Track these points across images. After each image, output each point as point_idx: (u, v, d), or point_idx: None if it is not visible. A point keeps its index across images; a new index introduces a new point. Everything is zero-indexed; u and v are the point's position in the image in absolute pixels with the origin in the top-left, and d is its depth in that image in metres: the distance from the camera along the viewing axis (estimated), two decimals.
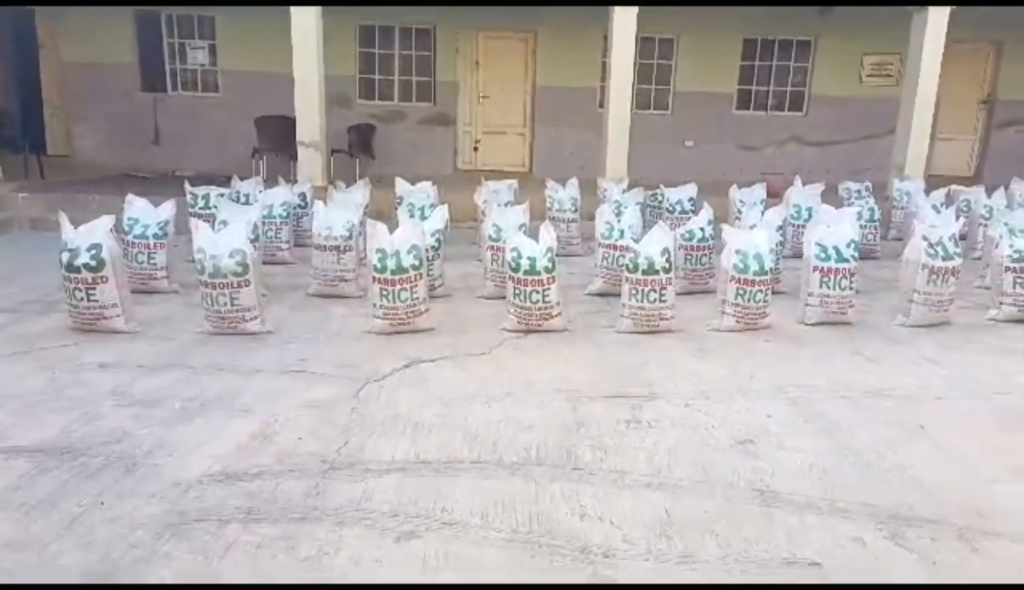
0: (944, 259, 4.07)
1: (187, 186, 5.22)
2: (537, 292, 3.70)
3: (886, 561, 1.88)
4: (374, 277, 3.53)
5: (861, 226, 6.07)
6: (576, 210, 5.90)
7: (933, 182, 9.24)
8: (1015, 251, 4.23)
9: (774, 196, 6.57)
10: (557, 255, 5.89)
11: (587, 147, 9.28)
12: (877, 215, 6.14)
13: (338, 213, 4.28)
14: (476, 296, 4.51)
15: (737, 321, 3.94)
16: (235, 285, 3.35)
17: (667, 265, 3.83)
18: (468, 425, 2.60)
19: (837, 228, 4.21)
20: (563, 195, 5.94)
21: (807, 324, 4.11)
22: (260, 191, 5.31)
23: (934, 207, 5.86)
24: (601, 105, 9.06)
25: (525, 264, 3.69)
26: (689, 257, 4.71)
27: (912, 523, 2.07)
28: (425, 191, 5.66)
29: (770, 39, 10.34)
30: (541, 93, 9.97)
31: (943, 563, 1.89)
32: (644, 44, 10.14)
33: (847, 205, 6.63)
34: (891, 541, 1.98)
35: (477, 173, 8.99)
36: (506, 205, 5.58)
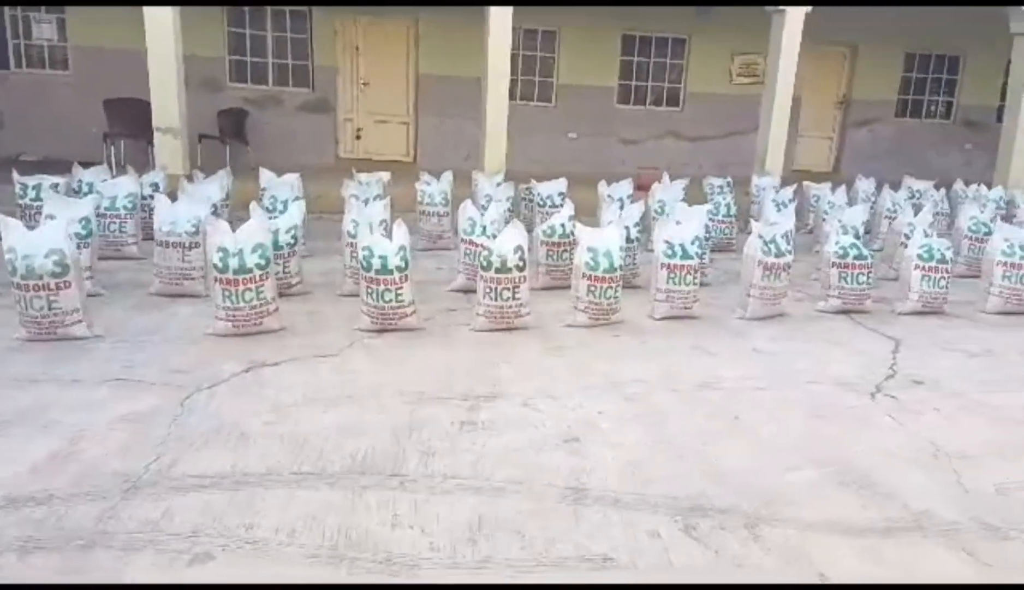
0: (777, 255, 4.37)
1: (15, 176, 4.79)
2: (390, 291, 3.68)
3: (674, 552, 2.01)
4: (215, 277, 3.39)
5: (719, 220, 6.47)
6: (447, 204, 5.89)
7: (796, 177, 9.89)
8: (840, 247, 4.60)
9: (646, 190, 6.83)
10: (427, 250, 6.02)
11: (473, 138, 9.28)
12: (733, 210, 6.51)
13: (185, 207, 4.07)
14: (336, 294, 4.43)
15: (590, 318, 4.08)
16: (53, 287, 3.12)
17: (521, 263, 3.90)
18: (297, 433, 2.55)
19: (685, 226, 4.43)
20: (434, 189, 5.91)
21: (655, 319, 4.32)
22: (104, 180, 4.96)
23: (777, 203, 6.27)
24: None
25: (376, 263, 3.65)
26: (551, 253, 4.82)
27: (707, 513, 2.22)
28: (289, 183, 5.48)
29: (648, 36, 10.69)
30: (425, 81, 9.87)
31: (725, 551, 2.04)
32: (527, 36, 10.25)
33: (710, 199, 7.00)
34: (684, 533, 2.11)
35: (360, 163, 8.80)
36: (374, 199, 5.50)
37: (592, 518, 2.16)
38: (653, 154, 11.02)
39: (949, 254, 4.64)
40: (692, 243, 4.33)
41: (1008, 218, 6.54)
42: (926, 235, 5.11)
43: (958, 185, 7.90)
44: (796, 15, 8.28)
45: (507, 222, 6.13)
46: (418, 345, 3.62)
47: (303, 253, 5.39)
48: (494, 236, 4.17)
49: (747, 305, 4.42)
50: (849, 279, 4.58)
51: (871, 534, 2.17)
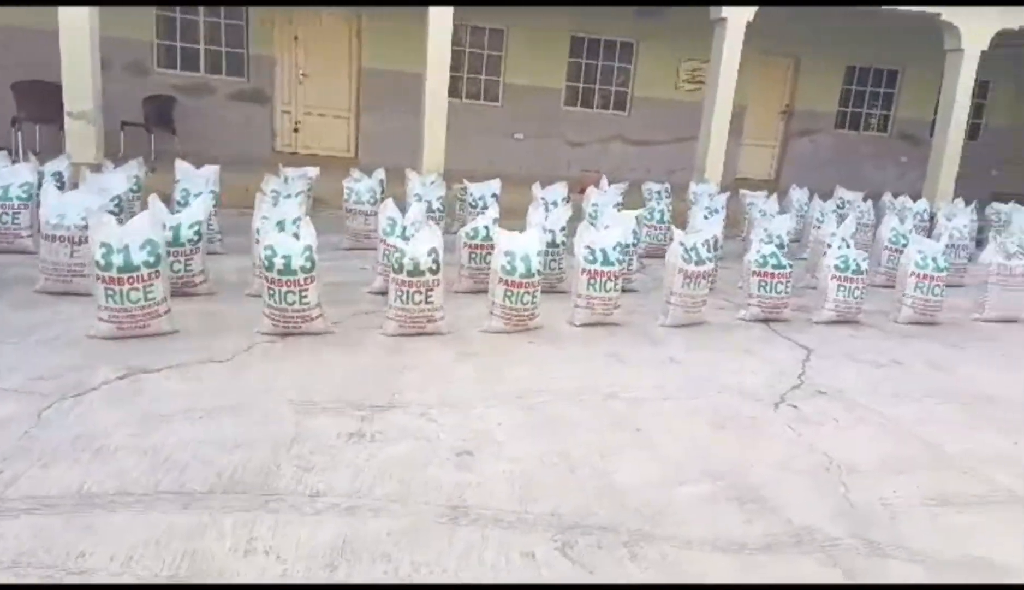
0: (697, 263, 4.36)
1: None
2: (293, 293, 3.52)
3: (546, 573, 1.94)
4: (97, 275, 3.18)
5: (653, 226, 6.47)
6: (375, 202, 5.73)
7: (738, 185, 10.01)
8: (760, 256, 4.62)
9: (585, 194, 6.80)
10: (353, 249, 5.86)
11: (418, 135, 9.13)
12: (667, 216, 6.51)
13: (77, 198, 3.83)
14: (245, 294, 4.24)
15: (506, 323, 3.99)
16: None
17: (434, 266, 3.79)
18: (163, 447, 2.39)
19: (607, 231, 4.39)
20: (361, 187, 5.76)
21: (575, 326, 4.26)
22: (3, 167, 4.66)
23: (710, 210, 6.31)
24: None
25: (279, 263, 3.49)
26: (474, 255, 4.72)
27: (589, 531, 2.15)
28: (205, 176, 5.25)
29: (596, 38, 10.70)
30: (368, 76, 9.67)
31: (600, 570, 1.97)
32: (474, 33, 10.15)
33: (648, 204, 7.00)
34: (560, 552, 2.04)
35: (297, 157, 8.57)
36: (296, 196, 5.32)
37: (467, 538, 2.07)
38: (600, 157, 11.04)
39: (865, 265, 4.70)
40: (614, 249, 4.28)
41: (929, 230, 6.71)
42: (845, 245, 5.19)
43: (886, 197, 8.08)
44: (737, 24, 8.36)
45: (440, 222, 6.10)
46: (321, 350, 3.48)
47: (219, 250, 5.21)
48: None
49: (668, 312, 4.40)
50: (768, 288, 4.60)
51: (750, 551, 2.13)
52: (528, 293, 3.98)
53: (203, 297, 4.10)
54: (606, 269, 4.23)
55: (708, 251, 4.45)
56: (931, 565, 2.11)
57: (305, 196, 5.50)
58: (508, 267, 3.92)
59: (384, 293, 4.48)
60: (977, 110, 12.84)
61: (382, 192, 6.07)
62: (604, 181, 7.25)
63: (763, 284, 4.61)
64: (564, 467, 2.55)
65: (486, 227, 4.69)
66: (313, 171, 5.98)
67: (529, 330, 4.06)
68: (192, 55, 9.01)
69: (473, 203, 6.08)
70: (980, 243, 7.35)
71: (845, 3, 8.49)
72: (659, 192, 7.53)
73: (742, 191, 8.01)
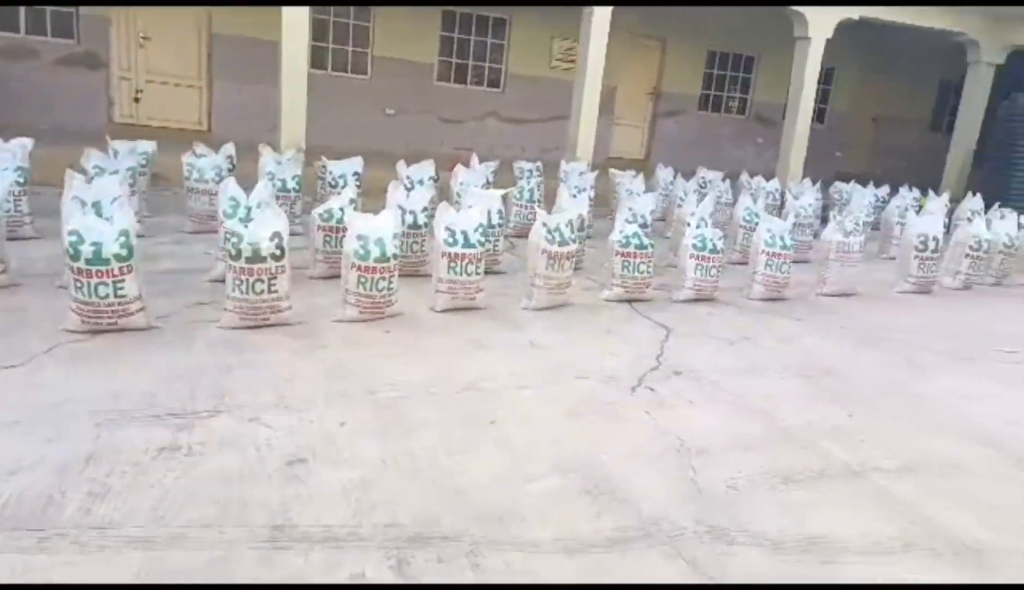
0: (560, 244, 4.29)
1: None
2: (105, 285, 3.09)
3: None
4: None
5: (522, 205, 6.38)
6: (219, 180, 5.23)
7: (611, 164, 10.15)
8: (623, 236, 4.62)
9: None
10: (197, 233, 5.35)
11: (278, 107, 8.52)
12: (537, 195, 6.44)
13: None
14: (56, 285, 3.71)
15: (361, 312, 3.74)
16: None
17: (277, 251, 3.46)
18: None
19: (468, 212, 4.22)
20: (204, 163, 5.25)
21: (437, 312, 4.07)
22: None
23: (579, 188, 6.30)
24: None
25: (87, 251, 3.05)
26: (328, 238, 4.40)
27: (429, 542, 1.99)
28: (13, 150, 4.56)
29: (468, 13, 10.43)
30: (220, 42, 8.89)
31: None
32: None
33: (520, 182, 6.90)
34: (394, 571, 1.86)
35: (138, 129, 7.76)
36: (128, 171, 4.75)
37: (289, 563, 1.84)
38: (475, 135, 10.84)
39: (720, 244, 4.83)
40: (476, 230, 4.12)
41: (780, 209, 7.07)
42: (705, 225, 5.31)
43: (743, 177, 8.45)
44: (604, 9, 8.39)
45: (296, 203, 5.69)
46: (141, 349, 3.08)
47: (29, 235, 4.57)
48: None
49: (532, 295, 4.31)
50: (631, 268, 4.62)
51: (599, 549, 2.05)
52: (384, 279, 3.74)
53: (3, 291, 3.54)
54: (467, 251, 4.06)
55: (572, 231, 4.39)
56: (770, 548, 2.12)
57: (137, 173, 4.93)
58: (361, 251, 3.66)
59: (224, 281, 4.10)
60: (823, 96, 13.80)
61: (231, 169, 5.57)
62: (474, 159, 7.07)
63: (626, 264, 4.62)
64: (408, 469, 2.36)
65: (341, 208, 4.38)
66: (148, 145, 5.38)
67: (386, 318, 3.83)
68: (10, 14, 7.87)
69: (333, 182, 5.71)
70: (825, 220, 7.87)
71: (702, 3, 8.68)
72: (530, 171, 7.46)
73: (611, 170, 8.12)
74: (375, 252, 3.68)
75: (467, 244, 4.07)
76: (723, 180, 8.04)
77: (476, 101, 10.82)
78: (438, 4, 9.86)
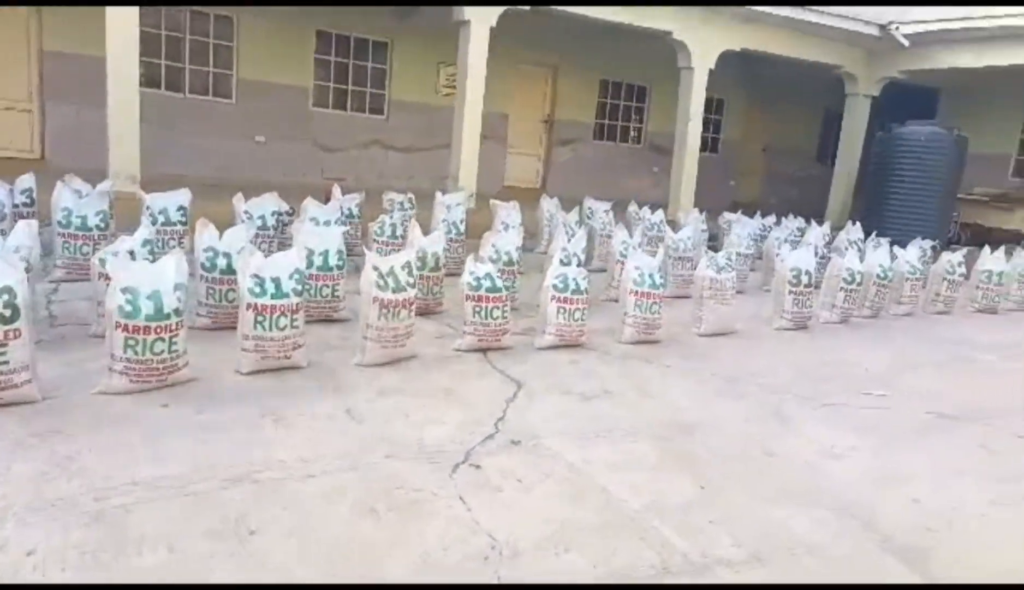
0: (396, 291, 3.74)
1: None
2: None
3: None
4: None
5: (383, 242, 5.80)
6: (2, 218, 4.43)
7: (506, 193, 9.76)
8: (474, 278, 4.12)
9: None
10: None
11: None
12: (400, 230, 5.89)
13: None
14: None
15: (131, 380, 3.05)
16: None
17: (7, 312, 2.75)
18: None
19: (280, 256, 3.62)
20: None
21: (242, 374, 3.43)
22: None
23: (445, 223, 5.81)
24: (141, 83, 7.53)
25: None
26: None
27: None
28: None
29: (345, 35, 9.89)
30: (51, 60, 7.95)
31: None
32: (196, 19, 8.84)
33: (388, 215, 6.33)
34: None
35: None
36: None
37: None
38: (360, 163, 10.26)
39: (584, 283, 4.41)
40: (292, 277, 3.52)
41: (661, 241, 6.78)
42: (576, 260, 4.91)
43: (631, 207, 8.20)
44: (481, 27, 8.03)
45: (100, 243, 4.90)
46: None
47: None
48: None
49: (364, 349, 3.73)
50: (484, 313, 4.13)
51: None
52: (162, 340, 3.08)
53: None
54: (279, 302, 3.45)
55: (410, 275, 3.85)
56: None
57: None
58: (128, 308, 2.99)
59: None
60: (716, 126, 14.03)
61: (28, 204, 4.76)
62: (336, 190, 6.50)
63: (478, 310, 4.12)
64: None
65: (131, 251, 3.69)
66: None
67: (169, 386, 3.15)
68: None
69: (152, 218, 4.96)
70: (713, 250, 7.70)
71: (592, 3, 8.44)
72: (400, 202, 6.92)
73: (493, 201, 7.69)
74: (146, 308, 3.01)
75: (278, 294, 3.46)
76: (606, 212, 7.73)
77: (359, 128, 10.24)
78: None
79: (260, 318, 3.41)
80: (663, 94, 12.68)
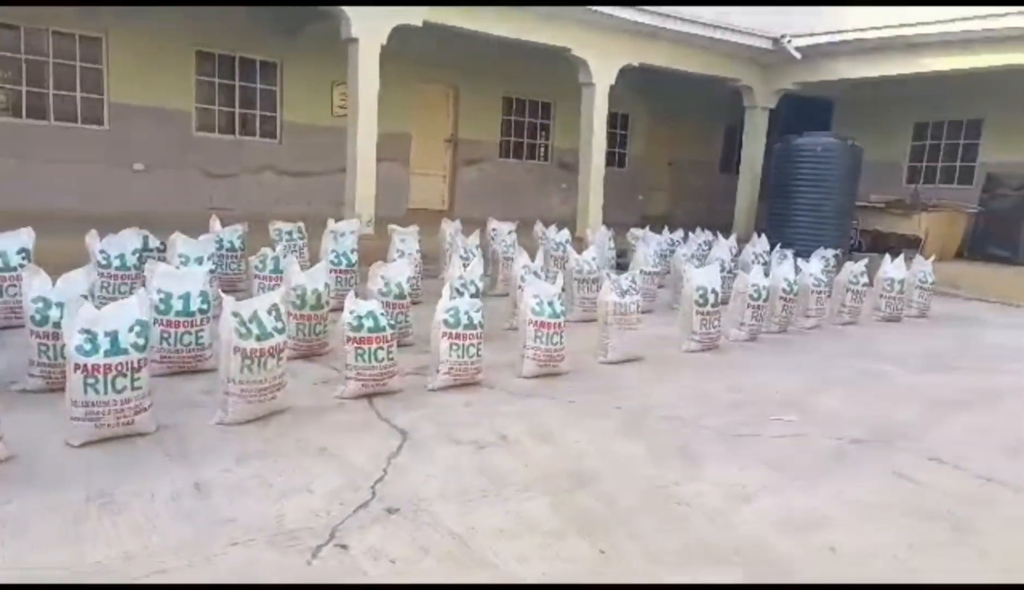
0: (260, 338, 3.29)
1: None
2: None
3: None
4: None
5: (264, 278, 5.29)
6: None
7: (411, 217, 9.33)
8: (355, 317, 3.72)
9: None
10: None
11: None
12: (282, 265, 5.39)
13: None
14: None
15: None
16: None
17: None
18: None
19: (116, 306, 3.11)
20: None
21: (73, 446, 2.90)
22: None
23: (334, 254, 5.38)
24: None
25: None
26: None
27: None
28: None
29: (229, 55, 9.29)
30: None
31: None
32: (60, 40, 8.07)
33: (272, 248, 5.81)
34: None
35: None
36: None
37: None
38: (251, 190, 9.62)
39: (479, 316, 4.08)
40: (131, 330, 3.02)
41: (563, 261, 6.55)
42: (468, 291, 4.59)
43: (537, 226, 7.97)
44: (371, 46, 7.66)
45: None
46: None
47: None
48: None
49: (226, 406, 3.26)
50: (367, 356, 3.72)
51: None
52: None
53: None
54: (116, 360, 2.95)
55: (277, 319, 3.41)
56: None
57: None
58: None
59: None
60: (622, 140, 14.13)
61: None
62: (215, 222, 5.95)
63: (360, 353, 3.71)
64: None
65: None
66: None
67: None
68: None
69: None
70: (622, 267, 7.55)
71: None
72: (289, 232, 6.43)
73: (390, 226, 7.29)
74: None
75: (114, 350, 2.95)
76: (509, 233, 7.46)
77: (248, 153, 9.63)
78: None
79: (91, 380, 2.89)
80: (568, 110, 12.63)
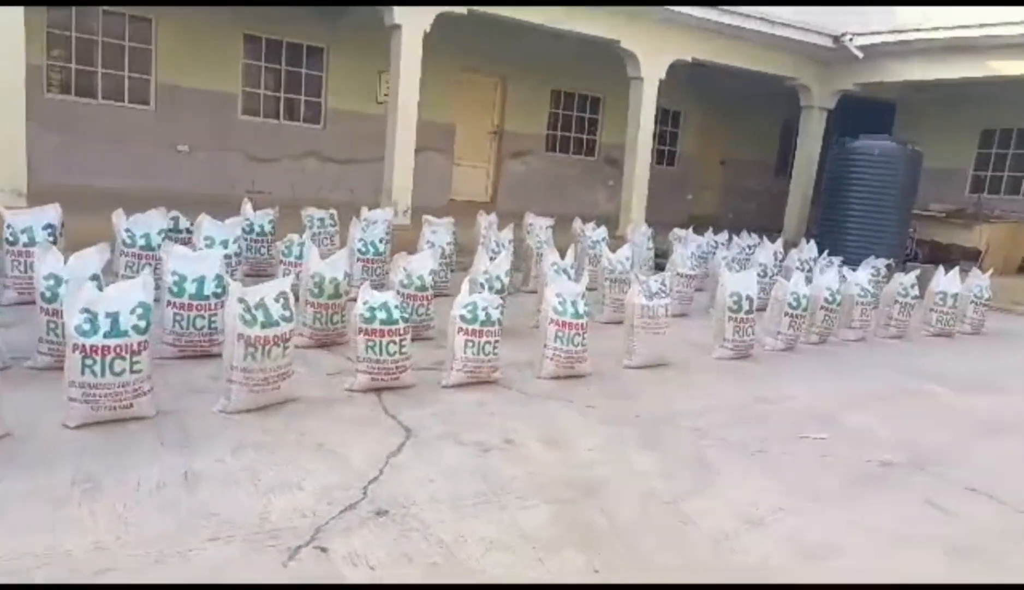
0: (265, 325, 3.23)
1: None
2: None
3: None
4: None
5: (289, 264, 5.26)
6: None
7: (453, 207, 9.28)
8: (368, 308, 3.63)
9: None
10: None
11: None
12: (307, 253, 5.35)
13: None
14: None
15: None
16: None
17: None
18: None
19: (115, 289, 3.08)
20: None
21: (70, 427, 2.88)
22: None
23: (362, 243, 5.32)
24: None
25: None
26: None
27: None
28: None
29: (276, 40, 9.35)
30: None
31: None
32: (110, 20, 8.24)
33: (301, 234, 5.79)
34: None
35: None
36: None
37: None
38: (293, 175, 9.70)
39: (497, 313, 3.94)
40: (133, 312, 2.99)
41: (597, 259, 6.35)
42: (490, 286, 4.46)
43: (576, 223, 7.77)
44: (413, 32, 7.57)
45: None
46: None
47: None
48: None
49: (229, 393, 3.21)
50: (378, 349, 3.63)
51: None
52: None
53: None
54: (116, 341, 2.92)
55: (285, 307, 3.34)
56: None
57: None
58: None
59: None
60: (673, 138, 13.76)
61: None
62: (247, 206, 5.96)
63: (371, 345, 3.62)
64: None
65: None
66: None
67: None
68: None
69: (12, 238, 4.37)
70: (661, 268, 7.29)
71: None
72: (321, 219, 6.41)
73: (425, 217, 7.22)
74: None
75: (114, 332, 2.92)
76: (547, 228, 7.29)
77: (292, 138, 9.70)
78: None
79: (89, 361, 2.87)
80: (617, 105, 12.33)
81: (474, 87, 11.16)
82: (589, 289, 4.48)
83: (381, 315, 3.63)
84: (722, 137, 14.10)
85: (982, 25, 8.73)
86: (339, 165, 10.06)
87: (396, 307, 3.71)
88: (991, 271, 7.21)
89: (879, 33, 9.87)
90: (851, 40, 10.09)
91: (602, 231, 7.21)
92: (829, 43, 10.20)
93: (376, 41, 9.59)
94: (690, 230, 8.33)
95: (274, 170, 9.47)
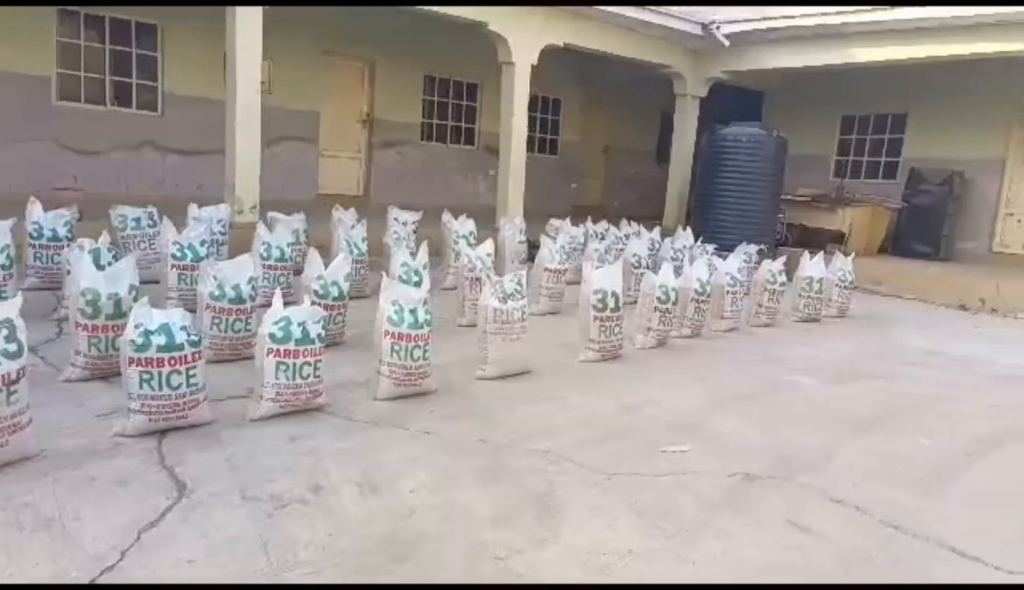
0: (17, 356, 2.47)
1: None
2: None
3: None
4: None
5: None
6: None
7: (322, 202, 8.46)
8: (141, 333, 2.92)
9: None
10: None
11: None
12: (108, 259, 4.51)
13: None
14: None
15: None
16: None
17: None
18: None
19: None
20: None
21: None
22: None
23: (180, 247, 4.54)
24: None
25: None
26: None
27: None
28: None
29: (97, 15, 8.18)
30: None
31: None
32: None
33: (108, 240, 4.90)
34: None
35: None
36: None
37: None
38: (126, 169, 8.55)
39: (317, 329, 3.32)
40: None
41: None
42: (326, 292, 3.83)
43: (444, 216, 7.21)
44: (251, 14, 6.74)
45: None
46: None
47: None
48: None
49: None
50: (156, 382, 2.92)
51: None
52: None
53: None
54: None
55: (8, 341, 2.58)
56: None
57: None
58: None
59: None
60: (554, 126, 13.47)
61: None
62: (33, 206, 5.02)
63: (146, 378, 2.91)
64: None
65: None
66: None
67: None
68: None
69: None
70: (534, 260, 6.87)
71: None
72: (137, 219, 5.52)
73: (271, 213, 6.48)
74: None
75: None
76: (412, 223, 6.71)
77: (124, 126, 8.56)
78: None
79: None
80: (496, 92, 11.81)
81: (338, 71, 10.34)
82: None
83: (159, 340, 2.93)
84: (604, 125, 13.95)
85: (840, 12, 8.88)
86: (183, 156, 8.99)
87: (183, 328, 3.02)
88: (852, 255, 7.31)
89: (744, 21, 9.90)
90: (718, 28, 10.08)
91: (470, 224, 6.68)
92: (698, 31, 10.15)
93: (217, 18, 8.64)
94: (567, 221, 7.99)
95: (101, 163, 8.30)
